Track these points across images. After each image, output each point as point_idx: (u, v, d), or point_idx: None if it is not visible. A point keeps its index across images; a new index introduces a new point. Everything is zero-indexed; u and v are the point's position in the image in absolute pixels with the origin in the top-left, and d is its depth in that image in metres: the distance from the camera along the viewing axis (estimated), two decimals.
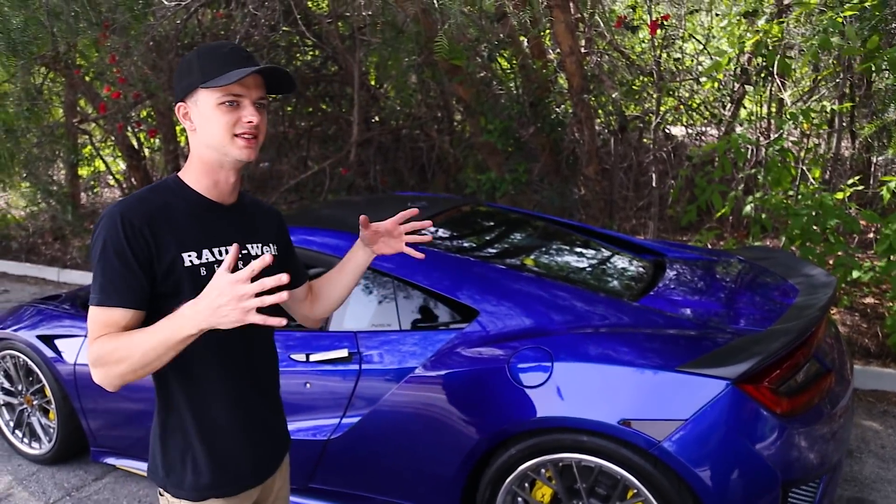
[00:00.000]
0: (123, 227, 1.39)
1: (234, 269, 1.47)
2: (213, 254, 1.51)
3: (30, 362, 3.44)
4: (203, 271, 1.48)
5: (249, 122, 1.46)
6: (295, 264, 1.81)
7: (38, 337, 3.39)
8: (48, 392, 3.42)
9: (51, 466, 3.56)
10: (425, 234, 1.85)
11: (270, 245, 1.67)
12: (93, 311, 1.40)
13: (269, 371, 1.68)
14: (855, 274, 4.06)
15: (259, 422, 1.63)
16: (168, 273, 1.44)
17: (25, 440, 3.65)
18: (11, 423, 3.70)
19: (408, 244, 1.75)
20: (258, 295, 1.22)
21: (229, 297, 1.21)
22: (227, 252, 1.52)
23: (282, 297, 1.22)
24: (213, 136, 1.47)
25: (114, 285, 1.39)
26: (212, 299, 1.23)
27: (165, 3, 5.36)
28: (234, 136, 1.46)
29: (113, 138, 8.20)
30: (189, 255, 1.46)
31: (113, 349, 1.33)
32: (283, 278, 1.21)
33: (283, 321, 1.28)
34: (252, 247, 1.60)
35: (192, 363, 1.49)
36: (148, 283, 1.42)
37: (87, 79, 7.58)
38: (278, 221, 1.76)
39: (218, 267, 1.45)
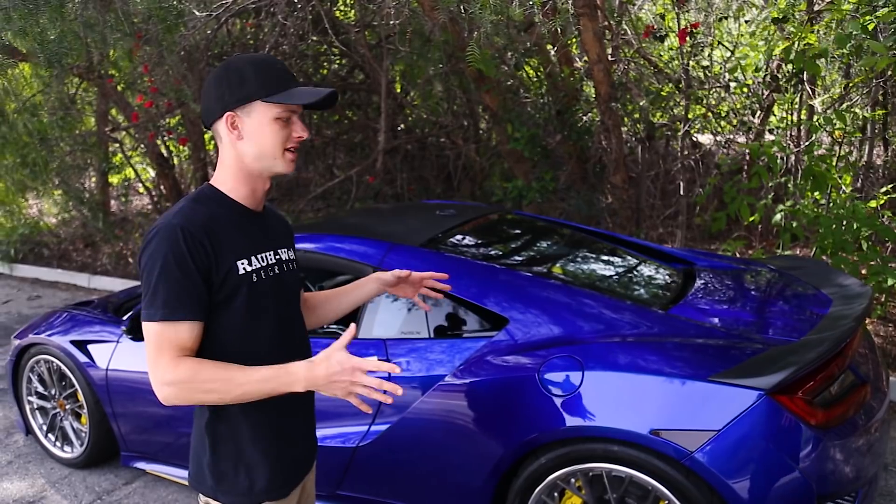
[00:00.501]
0: (185, 239, 1.41)
1: (276, 272, 1.58)
2: (258, 260, 1.54)
3: (63, 367, 3.50)
4: (254, 277, 1.52)
5: (300, 136, 1.52)
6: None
7: (72, 342, 3.45)
8: (80, 396, 3.47)
9: (82, 470, 3.62)
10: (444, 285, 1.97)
11: (290, 249, 1.71)
12: (157, 326, 1.40)
13: None
14: (890, 281, 3.98)
15: (300, 424, 1.67)
16: (224, 281, 1.47)
17: (58, 444, 3.71)
18: (45, 427, 3.76)
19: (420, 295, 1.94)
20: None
21: (348, 378, 1.35)
22: (267, 258, 1.57)
23: (387, 399, 1.36)
24: (265, 148, 1.50)
25: (180, 299, 1.40)
26: (331, 371, 1.36)
27: (196, 13, 5.45)
28: (285, 151, 1.52)
29: (143, 147, 8.34)
30: (242, 263, 1.50)
31: (208, 379, 1.37)
32: (398, 390, 1.36)
33: (370, 409, 1.43)
34: (281, 251, 1.65)
35: None
36: (207, 294, 1.45)
37: (119, 88, 7.72)
38: (289, 226, 1.81)
39: (265, 273, 1.54)
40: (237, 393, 1.38)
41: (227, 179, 1.56)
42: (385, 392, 1.40)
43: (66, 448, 3.67)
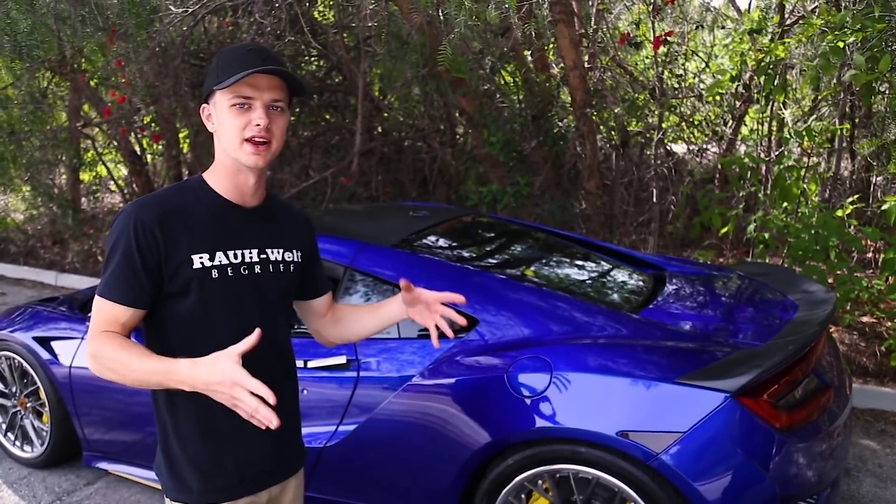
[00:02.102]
0: (135, 227, 1.42)
1: (252, 272, 1.52)
2: (227, 256, 1.50)
3: (25, 364, 3.43)
4: (215, 273, 1.48)
5: (257, 125, 1.43)
6: (318, 273, 1.78)
7: (35, 338, 3.38)
8: (42, 395, 3.40)
9: (42, 470, 3.54)
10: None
11: (293, 251, 1.64)
12: (97, 300, 1.45)
13: (280, 378, 1.62)
14: (856, 292, 4.06)
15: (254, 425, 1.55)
16: (175, 274, 1.44)
17: (17, 443, 3.62)
18: (4, 426, 3.67)
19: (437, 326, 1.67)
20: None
21: (227, 391, 1.25)
22: (243, 255, 1.52)
23: (272, 423, 1.22)
24: (226, 138, 1.47)
25: (117, 281, 1.43)
26: (211, 378, 1.27)
27: (172, 9, 5.39)
28: (244, 141, 1.44)
29: (116, 143, 8.22)
30: (200, 258, 1.46)
31: (109, 357, 1.39)
32: (274, 422, 1.22)
33: (273, 416, 1.25)
34: (272, 251, 1.58)
35: None
36: (151, 285, 1.44)
37: (91, 83, 7.61)
38: (307, 228, 1.73)
39: (233, 270, 1.49)
40: (132, 377, 1.37)
41: (213, 172, 1.55)
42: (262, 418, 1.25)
43: (26, 447, 3.58)
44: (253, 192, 1.56)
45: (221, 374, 1.26)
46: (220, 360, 1.27)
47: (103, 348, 1.39)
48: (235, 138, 1.45)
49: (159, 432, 1.56)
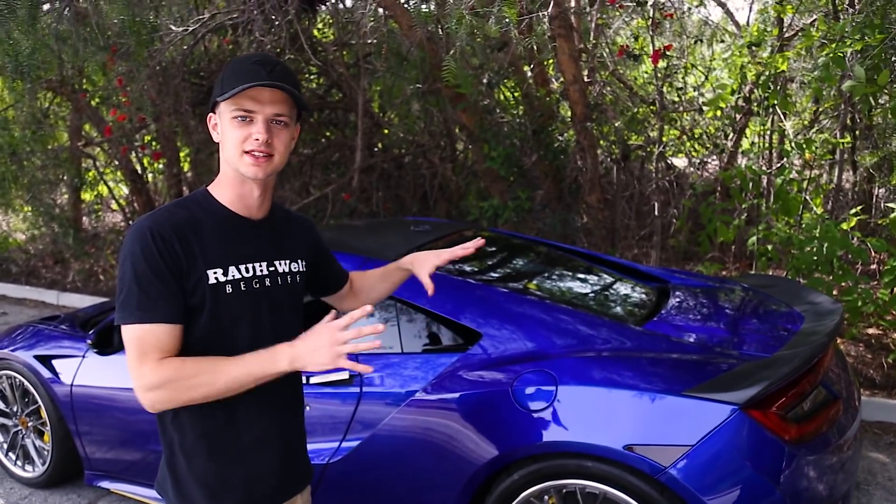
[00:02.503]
0: (154, 241, 1.37)
1: (263, 285, 1.52)
2: (239, 271, 1.48)
3: (26, 383, 3.40)
4: (229, 289, 1.45)
5: (256, 139, 1.41)
6: (335, 267, 1.87)
7: (36, 357, 3.36)
8: (44, 413, 3.37)
9: (44, 490, 3.50)
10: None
11: (299, 261, 1.64)
12: (134, 329, 1.36)
13: (288, 395, 1.64)
14: (861, 304, 4.03)
15: (266, 439, 1.57)
16: (195, 288, 1.42)
17: (19, 463, 3.59)
18: (5, 446, 3.64)
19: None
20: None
21: (326, 341, 1.31)
22: (254, 269, 1.51)
23: (374, 344, 1.32)
24: (228, 149, 1.45)
25: (153, 300, 1.36)
26: (309, 342, 1.33)
27: (173, 28, 5.42)
28: (244, 153, 1.43)
29: (117, 162, 8.24)
30: (214, 273, 1.44)
31: (193, 374, 1.34)
32: (379, 327, 1.30)
33: (369, 368, 1.38)
34: (280, 263, 1.57)
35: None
36: (183, 297, 1.41)
37: (92, 103, 7.63)
38: (311, 232, 1.74)
39: (246, 284, 1.48)
40: (224, 381, 1.35)
41: (218, 183, 1.53)
42: (369, 338, 1.35)
43: (28, 467, 3.55)
44: (259, 204, 1.54)
45: (318, 333, 1.33)
46: (315, 327, 1.35)
47: (176, 372, 1.34)
48: (236, 150, 1.43)
49: (165, 449, 1.53)
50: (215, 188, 1.53)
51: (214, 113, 1.50)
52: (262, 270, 1.52)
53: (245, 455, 1.53)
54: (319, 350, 1.32)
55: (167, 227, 1.40)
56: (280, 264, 1.57)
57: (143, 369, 1.35)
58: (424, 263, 1.81)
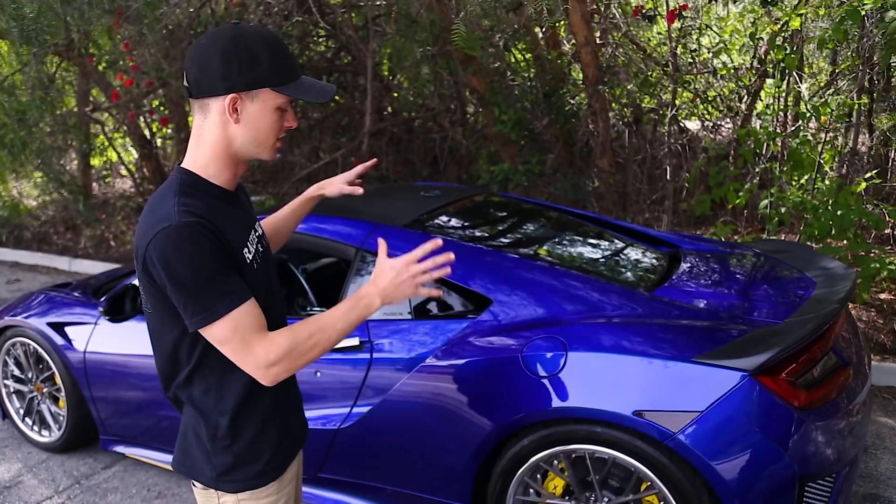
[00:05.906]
0: (209, 233, 1.34)
1: (266, 253, 1.59)
2: (252, 244, 1.51)
3: (40, 350, 3.44)
4: (254, 264, 1.49)
5: (290, 125, 1.48)
6: None
7: (49, 324, 3.39)
8: (58, 380, 3.41)
9: (60, 454, 3.57)
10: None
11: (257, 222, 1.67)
12: (227, 320, 1.35)
13: None
14: (878, 267, 3.99)
15: (295, 399, 1.70)
16: (239, 270, 1.43)
17: (35, 428, 3.66)
18: (21, 411, 3.70)
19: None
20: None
21: (407, 275, 1.45)
22: (255, 240, 1.54)
23: (446, 271, 1.48)
24: (260, 135, 1.43)
25: (230, 285, 1.37)
26: (391, 278, 1.45)
27: None
28: (276, 141, 1.48)
29: (125, 127, 8.22)
30: (245, 251, 1.46)
31: (306, 337, 1.39)
32: (451, 256, 1.49)
33: (440, 292, 1.50)
34: (257, 227, 1.61)
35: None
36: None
37: (99, 68, 7.59)
38: (248, 195, 1.77)
39: (259, 256, 1.52)
40: (335, 335, 1.43)
41: (209, 163, 1.44)
42: (443, 266, 1.49)
43: (44, 432, 3.61)
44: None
45: (394, 269, 1.46)
46: (383, 264, 1.48)
47: (292, 341, 1.38)
48: (272, 137, 1.46)
49: (202, 427, 1.50)
50: (203, 169, 1.45)
51: (240, 95, 1.38)
52: (257, 239, 1.55)
53: (297, 406, 1.69)
54: (403, 283, 1.45)
55: (203, 217, 1.35)
56: (258, 227, 1.60)
57: (257, 351, 1.37)
58: (334, 182, 2.01)
